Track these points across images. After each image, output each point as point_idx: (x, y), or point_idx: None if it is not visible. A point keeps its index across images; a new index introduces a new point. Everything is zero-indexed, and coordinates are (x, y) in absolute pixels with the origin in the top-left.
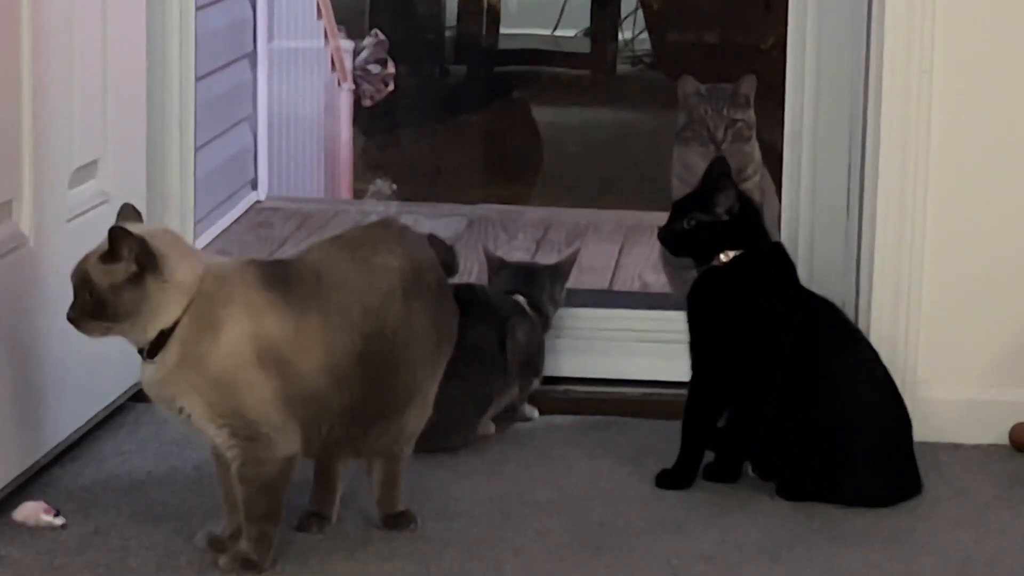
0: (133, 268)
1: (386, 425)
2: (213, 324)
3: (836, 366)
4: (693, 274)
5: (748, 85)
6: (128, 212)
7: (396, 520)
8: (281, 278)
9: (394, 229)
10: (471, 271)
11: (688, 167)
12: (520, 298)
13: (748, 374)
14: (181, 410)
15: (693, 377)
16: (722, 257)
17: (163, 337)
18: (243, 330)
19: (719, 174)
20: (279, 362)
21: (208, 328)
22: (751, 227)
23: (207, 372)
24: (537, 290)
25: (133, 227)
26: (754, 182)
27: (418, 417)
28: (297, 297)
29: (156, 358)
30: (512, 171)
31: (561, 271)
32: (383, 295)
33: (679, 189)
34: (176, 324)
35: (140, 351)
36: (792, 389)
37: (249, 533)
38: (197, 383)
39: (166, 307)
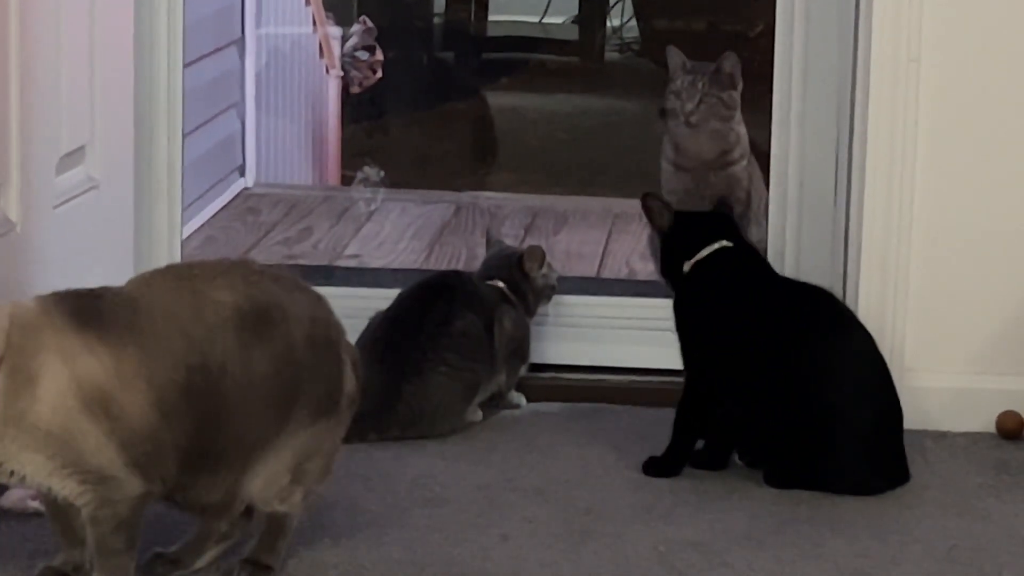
0: None
1: (216, 480)
2: (29, 378)
3: (825, 353)
4: None
5: (731, 63)
6: None
7: (251, 567)
8: (93, 313)
9: (247, 268)
10: (459, 258)
11: (673, 144)
12: (500, 284)
13: (740, 369)
14: (12, 473)
15: (687, 379)
16: (685, 267)
17: None
18: (62, 379)
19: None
20: (106, 403)
21: (25, 383)
22: (705, 233)
23: (35, 430)
24: (508, 274)
25: None
26: (740, 167)
27: (269, 484)
28: (113, 332)
29: None
30: (501, 158)
31: (520, 261)
32: (208, 327)
33: (667, 170)
34: None
35: None
36: (780, 378)
37: (103, 568)
38: (26, 443)
39: None
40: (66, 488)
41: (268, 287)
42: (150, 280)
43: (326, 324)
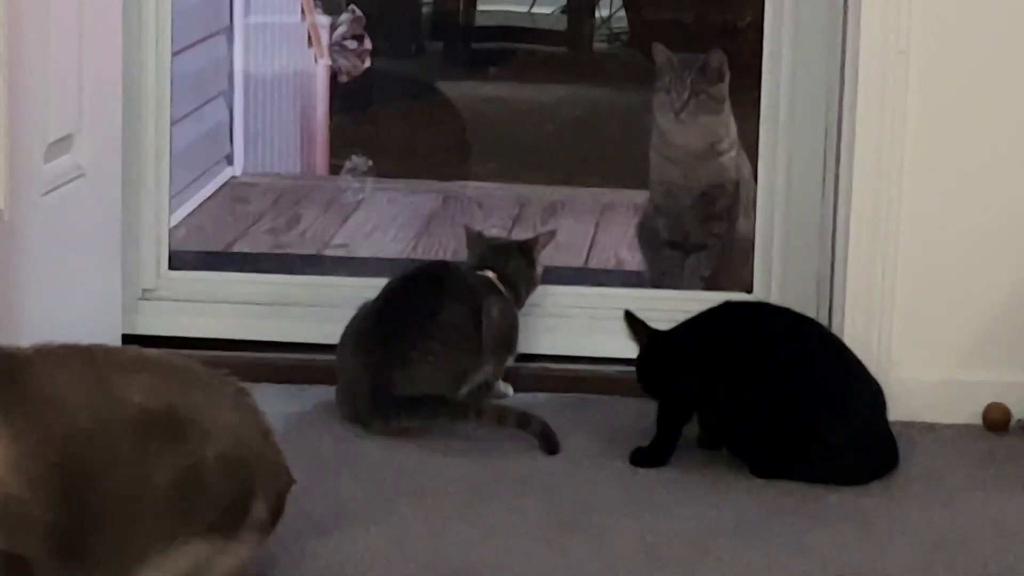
0: None
1: None
2: None
3: (802, 351)
4: (668, 253)
5: (717, 58)
6: None
7: None
8: None
9: (180, 373)
10: (446, 248)
11: (661, 136)
12: (491, 274)
13: (719, 376)
14: None
15: (663, 398)
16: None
17: None
18: None
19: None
20: None
21: None
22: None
23: None
24: (504, 264)
25: None
26: (729, 157)
27: None
28: None
29: None
30: (489, 148)
31: (529, 247)
32: (100, 422)
33: (655, 161)
34: None
35: None
36: (761, 381)
37: None
38: None
39: None
40: None
41: (194, 397)
42: (60, 353)
43: (248, 448)
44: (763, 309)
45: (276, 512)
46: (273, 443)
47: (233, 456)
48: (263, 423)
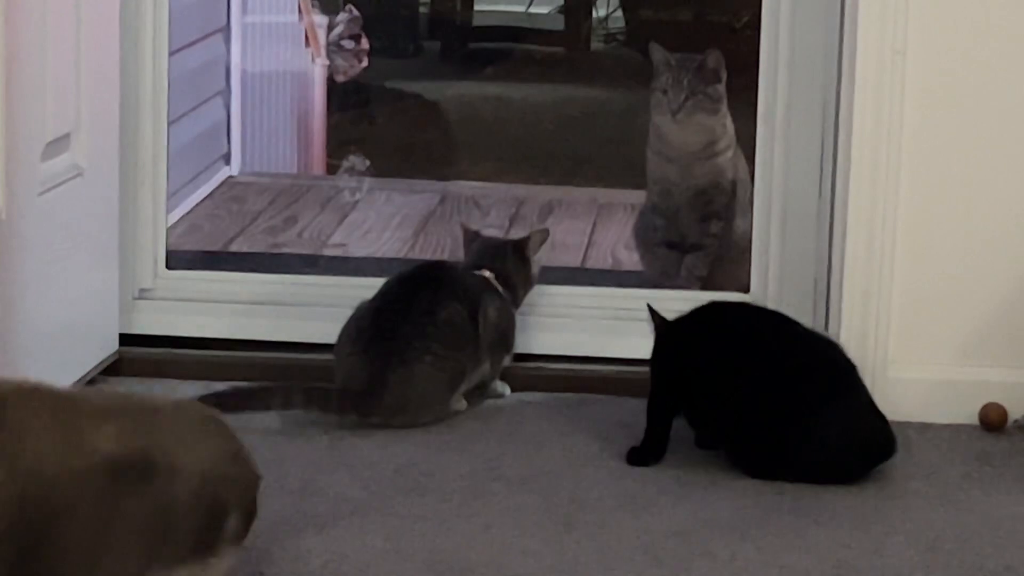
0: None
1: None
2: None
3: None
4: (665, 252)
5: (714, 59)
6: None
7: None
8: None
9: (147, 414)
10: (443, 247)
11: (659, 135)
12: (488, 274)
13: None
14: None
15: (651, 387)
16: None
17: None
18: None
19: None
20: None
21: None
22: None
23: None
24: (500, 264)
25: None
26: (726, 157)
27: None
28: None
29: None
30: (486, 148)
31: (523, 246)
32: (70, 471)
33: (652, 160)
34: None
35: None
36: (749, 381)
37: None
38: None
39: None
40: None
41: (162, 438)
42: (35, 396)
43: (218, 475)
44: (742, 309)
45: (249, 518)
46: (243, 460)
47: (203, 489)
48: (231, 445)
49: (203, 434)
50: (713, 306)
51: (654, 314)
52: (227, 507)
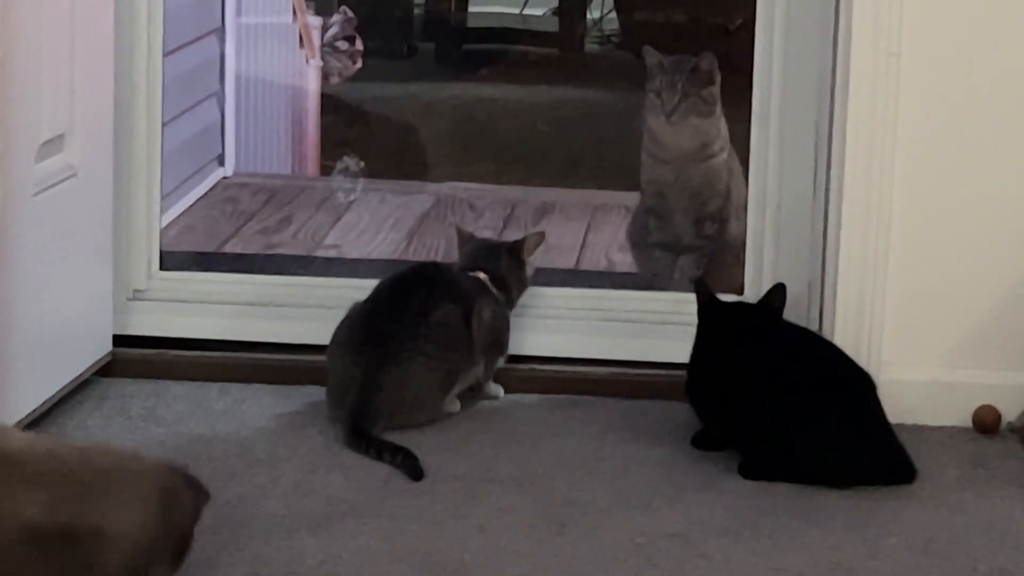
0: None
1: None
2: None
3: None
4: (659, 254)
5: (708, 62)
6: None
7: None
8: None
9: (81, 476)
10: (437, 249)
11: (652, 137)
12: (482, 275)
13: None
14: None
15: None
16: None
17: None
18: None
19: None
20: None
21: None
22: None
23: None
24: (495, 265)
25: None
26: (720, 159)
27: None
28: None
29: None
30: (480, 149)
31: (518, 248)
32: None
33: (647, 163)
34: None
35: None
36: (755, 381)
37: None
38: None
39: None
40: None
41: (94, 504)
42: None
43: (149, 536)
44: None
45: (184, 550)
46: (181, 508)
47: (139, 563)
48: (168, 499)
49: (137, 499)
50: (753, 307)
51: (702, 288)
52: (158, 559)
